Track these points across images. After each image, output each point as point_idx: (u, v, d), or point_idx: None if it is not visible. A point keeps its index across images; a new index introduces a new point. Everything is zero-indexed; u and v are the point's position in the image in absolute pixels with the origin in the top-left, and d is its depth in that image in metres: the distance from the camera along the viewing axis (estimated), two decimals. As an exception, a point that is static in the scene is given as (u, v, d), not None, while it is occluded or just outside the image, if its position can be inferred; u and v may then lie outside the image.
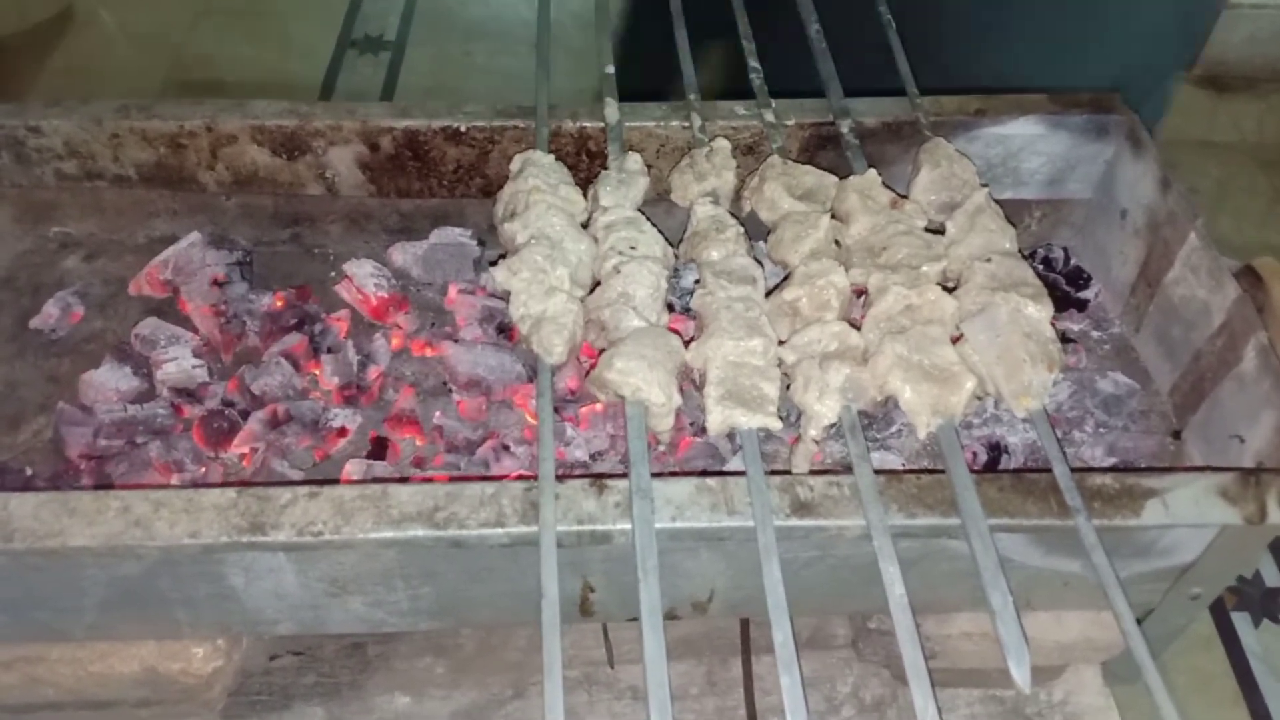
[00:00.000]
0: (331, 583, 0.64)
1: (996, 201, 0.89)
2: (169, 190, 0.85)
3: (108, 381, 0.77)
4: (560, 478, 0.60)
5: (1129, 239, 0.85)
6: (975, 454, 0.75)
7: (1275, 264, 0.78)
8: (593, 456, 0.76)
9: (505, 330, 0.82)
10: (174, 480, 0.72)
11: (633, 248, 0.71)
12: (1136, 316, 0.85)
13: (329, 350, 0.81)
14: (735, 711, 0.86)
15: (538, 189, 0.73)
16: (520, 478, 0.73)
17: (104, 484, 0.72)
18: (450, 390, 0.80)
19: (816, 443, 0.64)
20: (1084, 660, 0.80)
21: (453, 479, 0.70)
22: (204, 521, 0.57)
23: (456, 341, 0.82)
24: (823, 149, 0.86)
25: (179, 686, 0.70)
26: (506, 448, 0.76)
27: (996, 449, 0.75)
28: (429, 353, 0.83)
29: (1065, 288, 0.90)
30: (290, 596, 0.65)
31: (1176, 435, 0.80)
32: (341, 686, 0.84)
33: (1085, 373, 0.83)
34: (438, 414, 0.78)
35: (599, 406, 0.77)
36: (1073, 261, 0.92)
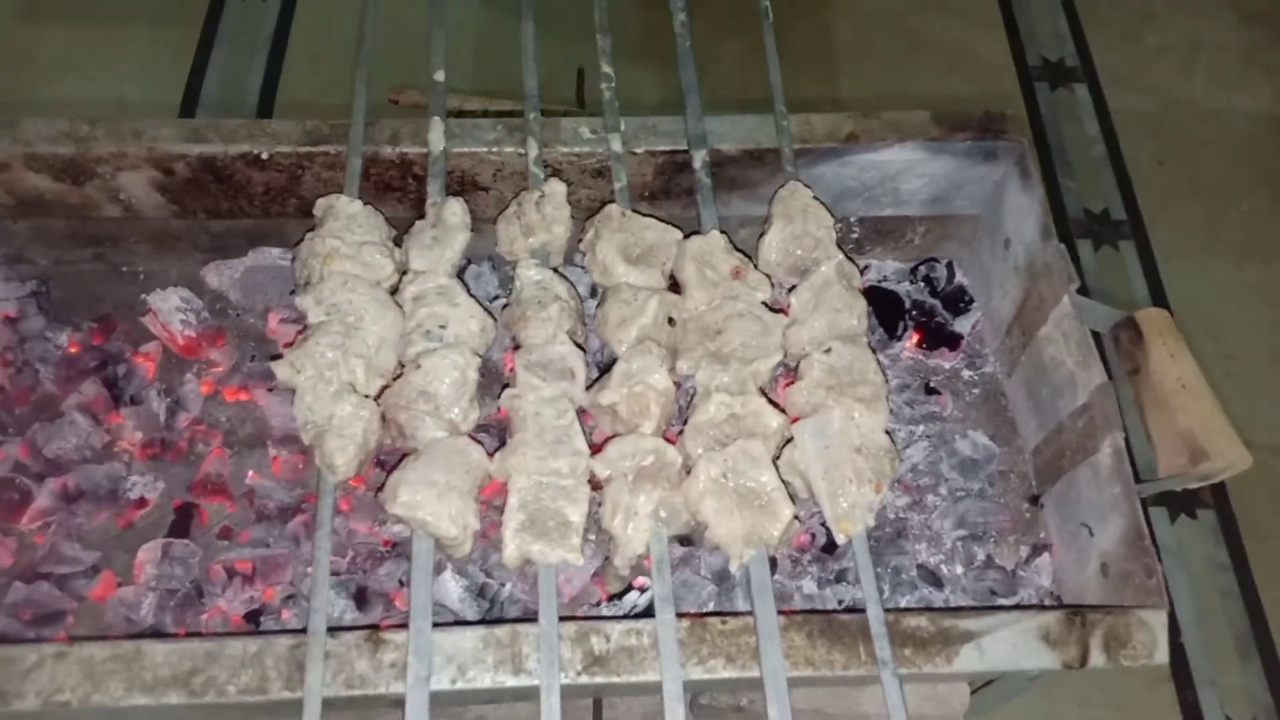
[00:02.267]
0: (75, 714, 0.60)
1: (874, 218, 0.82)
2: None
3: (-120, 445, 0.70)
4: (340, 628, 0.55)
5: (1010, 273, 0.79)
6: (814, 535, 0.71)
7: (1159, 319, 0.72)
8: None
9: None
10: (-47, 566, 0.67)
11: (442, 326, 0.65)
12: (1010, 361, 0.80)
13: (132, 400, 0.74)
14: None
15: (335, 253, 0.65)
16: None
17: (-124, 571, 0.67)
18: (266, 443, 0.74)
19: (624, 570, 0.60)
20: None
21: (213, 635, 0.65)
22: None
23: (271, 389, 0.75)
24: (679, 173, 0.77)
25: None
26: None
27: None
28: (244, 398, 0.77)
29: (943, 314, 0.84)
30: None
31: (1035, 500, 0.76)
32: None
33: (947, 427, 0.78)
34: (250, 473, 0.73)
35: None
36: (956, 280, 0.86)
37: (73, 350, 0.75)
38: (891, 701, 0.55)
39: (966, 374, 0.82)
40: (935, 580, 0.72)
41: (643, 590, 0.68)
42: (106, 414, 0.74)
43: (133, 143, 0.72)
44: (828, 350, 0.64)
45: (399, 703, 0.54)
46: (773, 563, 0.70)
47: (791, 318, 0.66)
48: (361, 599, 0.67)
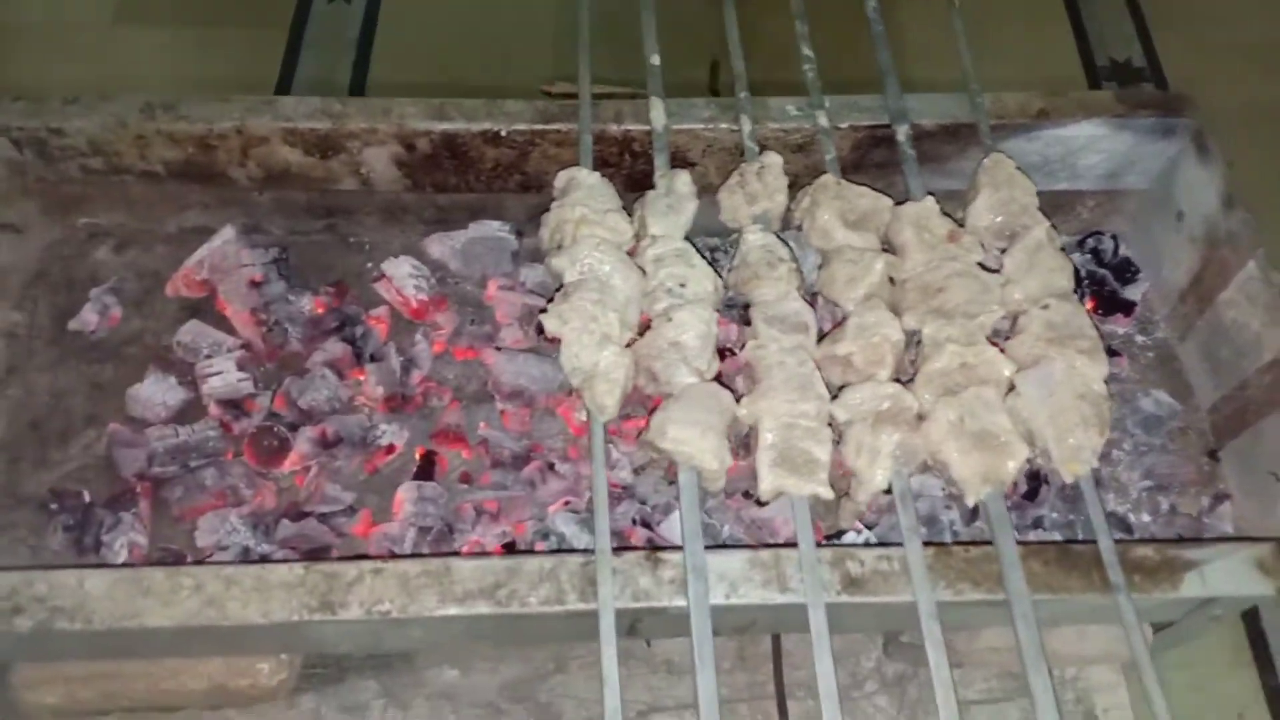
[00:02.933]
0: (394, 622, 0.66)
1: (1048, 192, 0.87)
2: (199, 185, 0.82)
3: (154, 395, 0.77)
4: (617, 549, 0.61)
5: (1183, 244, 0.83)
6: (1015, 483, 0.76)
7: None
8: (635, 472, 0.77)
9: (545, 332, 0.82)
10: (229, 503, 0.74)
11: (682, 285, 0.70)
12: (1183, 325, 0.84)
13: (372, 358, 0.81)
14: (765, 686, 0.91)
15: (585, 219, 0.71)
16: (567, 503, 0.75)
17: (161, 508, 0.74)
18: (494, 398, 0.80)
19: (864, 504, 0.65)
20: (1104, 664, 0.84)
21: (510, 551, 0.71)
22: (275, 601, 0.59)
23: (499, 349, 0.82)
24: (876, 147, 0.82)
25: (246, 697, 0.74)
26: (551, 466, 0.77)
27: (1036, 479, 0.76)
28: (470, 356, 0.83)
29: (1113, 284, 0.88)
30: (354, 634, 0.68)
31: (1213, 455, 0.80)
32: (393, 661, 0.88)
33: (1128, 387, 0.83)
34: (482, 425, 0.79)
35: (643, 420, 0.77)
36: (1122, 252, 0.90)
37: (319, 311, 0.82)
38: (1127, 620, 0.60)
39: (1140, 339, 0.86)
40: (1126, 527, 0.77)
41: (859, 533, 0.73)
42: (350, 370, 0.80)
43: (383, 119, 0.78)
44: (1045, 306, 0.69)
45: (678, 616, 0.60)
46: (974, 512, 0.75)
47: (1005, 277, 0.71)
48: (599, 537, 0.73)
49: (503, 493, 0.76)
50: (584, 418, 0.78)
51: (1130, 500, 0.79)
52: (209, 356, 0.79)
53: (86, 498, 0.73)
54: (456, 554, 0.69)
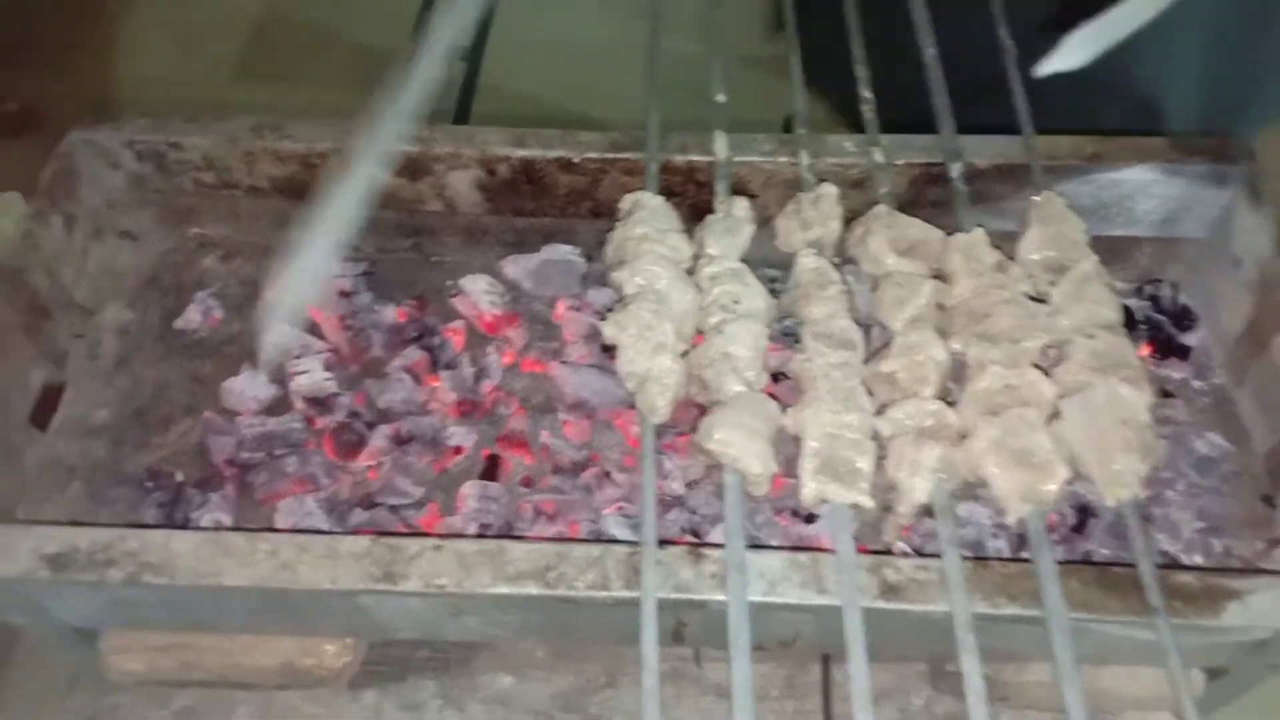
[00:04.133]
0: (452, 608, 0.70)
1: (1106, 238, 0.88)
2: (300, 201, 0.89)
3: (246, 389, 0.84)
4: (661, 542, 0.64)
5: (1240, 289, 0.84)
6: (1063, 515, 0.77)
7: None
8: (688, 485, 0.81)
9: (610, 350, 0.86)
10: (308, 490, 0.79)
11: (736, 301, 0.74)
12: (1240, 370, 0.85)
13: (447, 366, 0.86)
14: (813, 716, 0.92)
15: (647, 237, 0.76)
16: (620, 508, 0.79)
17: (246, 491, 0.79)
18: (557, 409, 0.85)
19: (906, 518, 0.67)
20: (1158, 710, 0.83)
21: (560, 539, 0.74)
22: (342, 568, 0.63)
23: (564, 362, 0.86)
24: (931, 184, 0.86)
25: (313, 677, 0.79)
26: (608, 474, 0.81)
27: (1084, 511, 0.77)
28: (537, 370, 0.88)
29: (1171, 329, 0.89)
30: (414, 615, 0.72)
31: (1268, 500, 0.80)
32: (451, 663, 0.92)
33: (1182, 429, 0.83)
34: (545, 433, 0.83)
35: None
36: (1180, 300, 0.91)
37: (400, 320, 0.88)
38: (1165, 644, 0.61)
39: (1196, 384, 0.87)
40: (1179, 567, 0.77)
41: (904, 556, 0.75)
42: (426, 375, 0.86)
43: (467, 145, 0.85)
44: (1091, 336, 0.71)
45: (716, 610, 0.62)
46: (1021, 541, 0.76)
47: (1053, 307, 0.73)
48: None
49: (560, 496, 0.80)
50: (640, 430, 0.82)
51: (1182, 541, 0.79)
52: (298, 357, 0.85)
53: (179, 478, 0.79)
54: (512, 537, 0.72)
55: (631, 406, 0.83)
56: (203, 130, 0.85)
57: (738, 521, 0.65)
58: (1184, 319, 0.90)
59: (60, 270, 0.84)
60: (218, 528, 0.75)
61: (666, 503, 0.78)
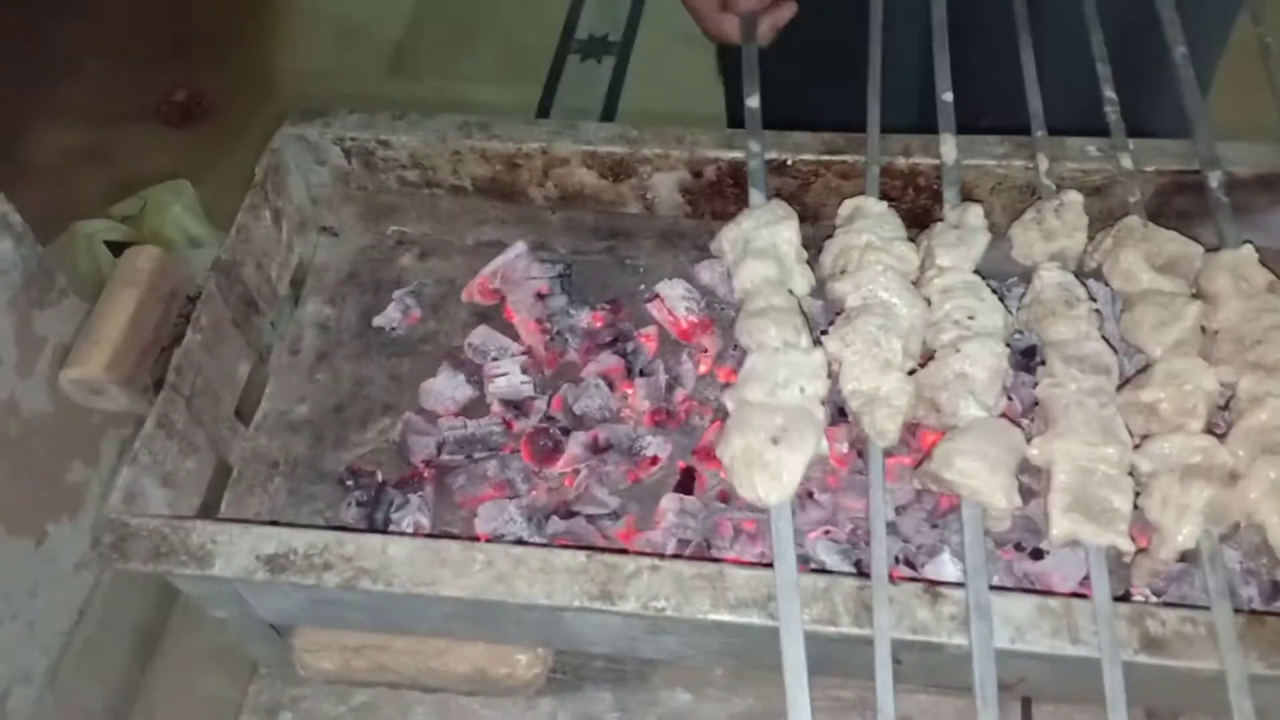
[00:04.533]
0: (655, 628, 0.67)
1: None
2: (499, 201, 0.88)
3: (445, 390, 0.83)
4: (892, 579, 0.60)
5: None
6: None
7: None
8: (898, 510, 0.75)
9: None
10: (506, 495, 0.78)
11: (970, 317, 0.69)
12: None
13: (641, 373, 0.83)
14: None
15: (872, 245, 0.71)
16: (827, 532, 0.74)
17: (444, 493, 0.78)
18: (756, 423, 0.81)
19: (1164, 563, 0.61)
20: None
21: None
22: (558, 584, 0.61)
23: (765, 374, 0.82)
24: (1179, 195, 0.78)
25: (503, 686, 0.77)
26: (810, 494, 0.77)
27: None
28: (733, 379, 0.84)
29: None
30: (613, 631, 0.69)
31: None
32: (629, 675, 0.90)
33: None
34: (743, 448, 0.80)
35: (908, 460, 0.76)
36: None
37: (596, 324, 0.85)
38: None
39: None
40: None
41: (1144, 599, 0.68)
42: (620, 383, 0.83)
43: (675, 146, 0.82)
44: (1384, 368, 0.62)
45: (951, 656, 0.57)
46: (1275, 589, 0.68)
47: (1334, 335, 0.65)
48: (859, 570, 0.72)
49: (761, 515, 0.76)
50: (844, 449, 0.77)
51: None
52: (495, 359, 0.84)
53: (379, 478, 0.79)
54: (729, 561, 0.69)
55: (834, 424, 0.79)
56: (411, 128, 0.85)
57: (981, 559, 0.60)
58: None
59: (269, 265, 0.85)
60: (432, 533, 0.74)
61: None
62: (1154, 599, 0.67)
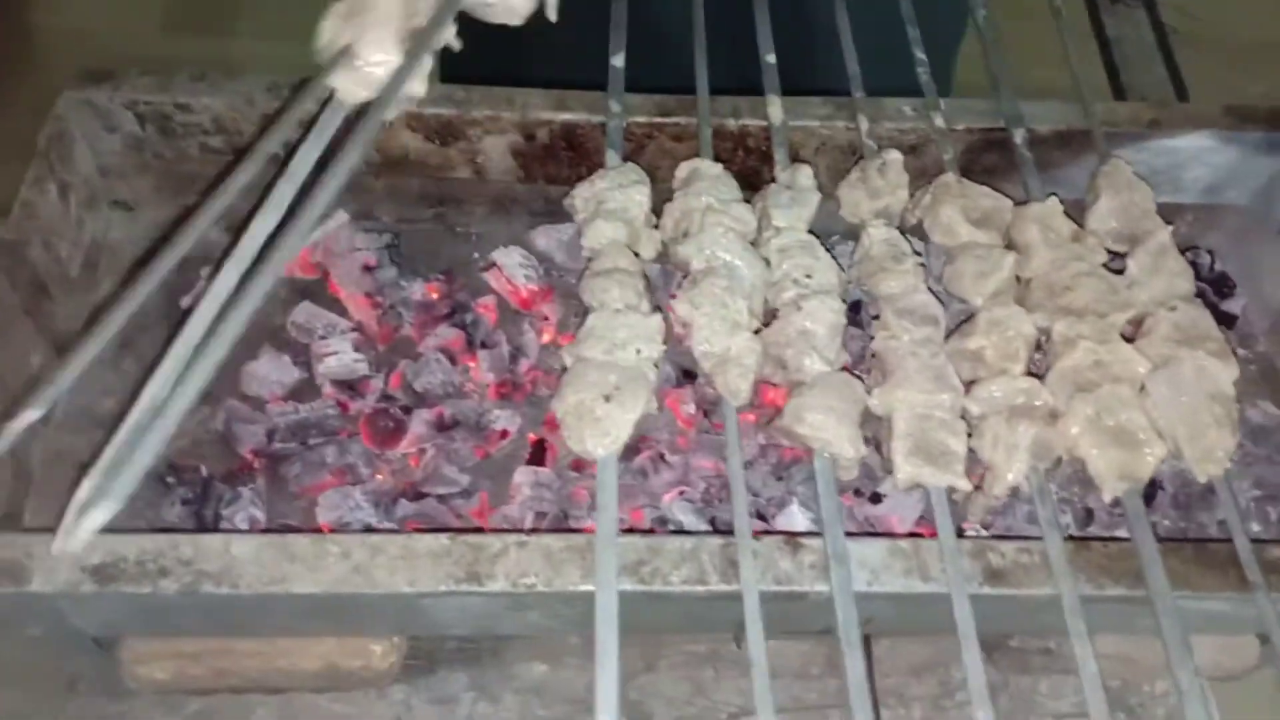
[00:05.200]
0: (518, 604, 0.66)
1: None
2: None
3: (269, 373, 0.78)
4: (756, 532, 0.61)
5: (1286, 257, 0.84)
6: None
7: None
8: (746, 465, 0.77)
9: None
10: (348, 481, 0.74)
11: (808, 276, 0.71)
12: (1287, 338, 0.85)
13: (483, 345, 0.81)
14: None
15: (712, 208, 0.72)
16: (681, 493, 0.75)
17: (278, 484, 0.74)
18: (601, 389, 0.80)
19: (997, 499, 0.65)
20: (1211, 680, 0.84)
21: (649, 531, 0.71)
22: (421, 570, 0.59)
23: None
24: (986, 152, 0.83)
25: (357, 679, 0.74)
26: (662, 456, 0.77)
27: (1152, 485, 0.76)
28: (576, 344, 0.83)
29: (1213, 297, 0.89)
30: (473, 612, 0.68)
31: (1320, 467, 0.81)
32: (483, 653, 0.88)
33: (1233, 399, 0.83)
34: (591, 414, 0.79)
35: (751, 416, 0.78)
36: (1217, 267, 0.91)
37: (433, 296, 0.82)
38: (1268, 621, 0.60)
39: (1241, 352, 0.87)
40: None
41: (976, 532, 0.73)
42: (461, 356, 0.80)
43: (506, 108, 0.79)
44: (1172, 308, 0.69)
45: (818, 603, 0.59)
46: (1089, 515, 0.75)
47: (1129, 279, 0.72)
48: (715, 527, 0.73)
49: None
50: (690, 410, 0.78)
51: (1239, 509, 0.78)
52: (324, 337, 0.79)
53: (204, 472, 0.73)
54: (568, 530, 0.69)
55: (679, 385, 0.80)
56: (214, 90, 0.78)
57: (835, 509, 0.62)
58: (1223, 286, 0.90)
59: (57, 244, 0.76)
60: (272, 528, 0.69)
61: (725, 484, 0.75)
62: (984, 533, 0.72)
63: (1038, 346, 0.71)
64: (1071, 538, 0.64)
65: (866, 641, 0.90)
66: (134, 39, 2.27)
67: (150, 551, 0.58)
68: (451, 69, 0.71)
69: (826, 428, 0.63)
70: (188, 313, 0.80)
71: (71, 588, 0.57)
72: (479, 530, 0.72)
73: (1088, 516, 0.76)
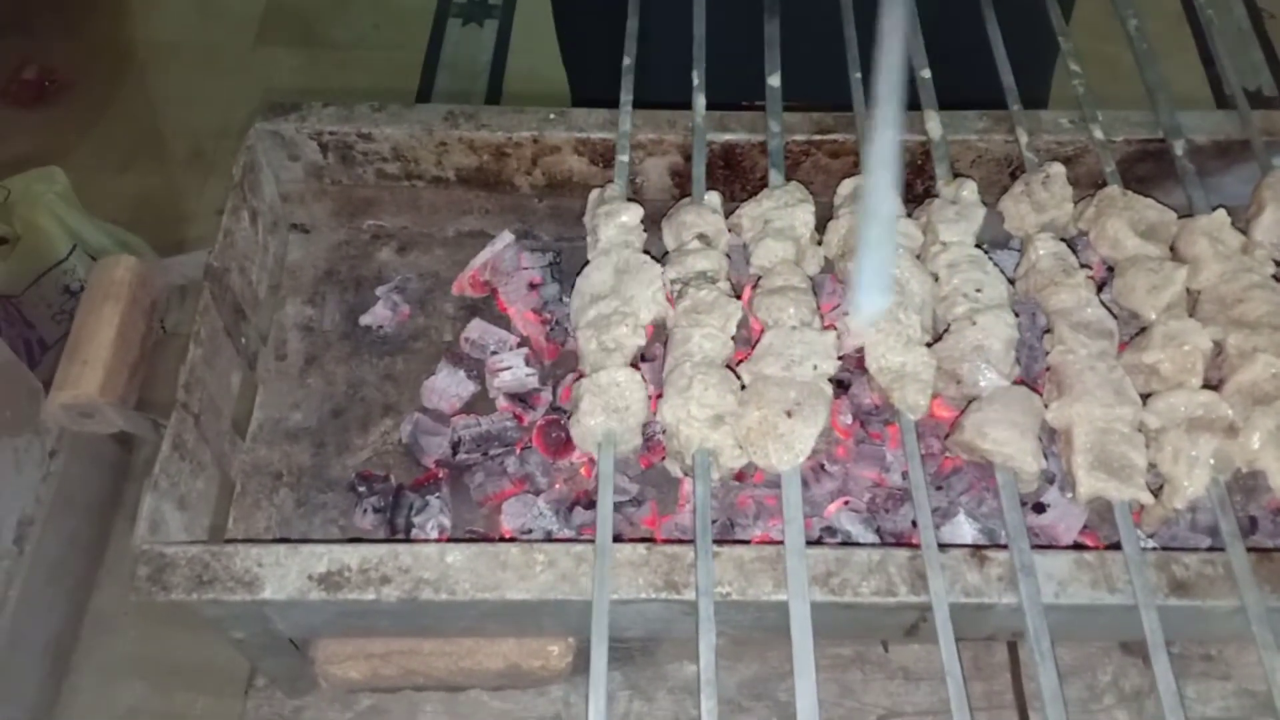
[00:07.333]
0: (692, 609, 0.69)
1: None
2: (482, 191, 0.87)
3: (448, 387, 0.82)
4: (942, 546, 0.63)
5: None
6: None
7: None
8: (903, 475, 0.79)
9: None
10: (527, 490, 0.77)
11: (978, 290, 0.72)
12: None
13: (643, 359, 0.84)
14: (1003, 695, 0.91)
15: (878, 225, 0.73)
16: (846, 502, 0.77)
17: (460, 492, 0.78)
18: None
19: (1177, 511, 0.66)
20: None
21: (841, 544, 0.73)
22: (623, 578, 0.62)
23: (765, 352, 0.84)
24: (1141, 162, 0.84)
25: (536, 677, 0.77)
26: (822, 466, 0.79)
27: None
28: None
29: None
30: (649, 615, 0.70)
31: None
32: (635, 654, 0.91)
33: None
34: (751, 426, 0.81)
35: (892, 426, 0.79)
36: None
37: (596, 312, 0.85)
38: None
39: None
40: None
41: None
42: (625, 368, 0.83)
43: (669, 130, 0.82)
44: (1353, 320, 0.69)
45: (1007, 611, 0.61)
46: (1253, 524, 0.75)
47: (1302, 290, 0.72)
48: (881, 537, 0.75)
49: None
50: (848, 420, 0.80)
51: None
52: (495, 353, 0.83)
53: (394, 481, 0.77)
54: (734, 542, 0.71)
55: (835, 396, 0.81)
56: (393, 120, 0.82)
57: (1019, 522, 0.63)
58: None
59: (250, 269, 0.81)
60: (475, 536, 0.73)
61: (895, 497, 0.77)
62: (1152, 544, 0.73)
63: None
64: (1257, 550, 0.64)
65: (1012, 647, 0.92)
66: (227, 51, 2.35)
67: (371, 560, 0.62)
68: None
69: (1010, 442, 0.65)
70: (367, 330, 0.85)
71: (301, 595, 0.61)
72: (650, 540, 0.74)
73: (1252, 525, 0.76)
